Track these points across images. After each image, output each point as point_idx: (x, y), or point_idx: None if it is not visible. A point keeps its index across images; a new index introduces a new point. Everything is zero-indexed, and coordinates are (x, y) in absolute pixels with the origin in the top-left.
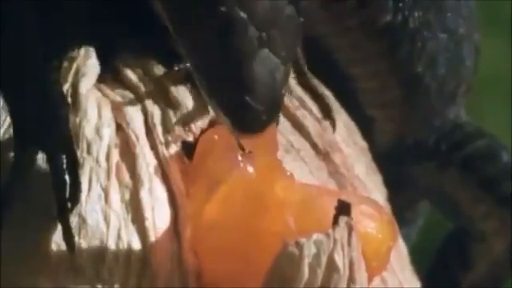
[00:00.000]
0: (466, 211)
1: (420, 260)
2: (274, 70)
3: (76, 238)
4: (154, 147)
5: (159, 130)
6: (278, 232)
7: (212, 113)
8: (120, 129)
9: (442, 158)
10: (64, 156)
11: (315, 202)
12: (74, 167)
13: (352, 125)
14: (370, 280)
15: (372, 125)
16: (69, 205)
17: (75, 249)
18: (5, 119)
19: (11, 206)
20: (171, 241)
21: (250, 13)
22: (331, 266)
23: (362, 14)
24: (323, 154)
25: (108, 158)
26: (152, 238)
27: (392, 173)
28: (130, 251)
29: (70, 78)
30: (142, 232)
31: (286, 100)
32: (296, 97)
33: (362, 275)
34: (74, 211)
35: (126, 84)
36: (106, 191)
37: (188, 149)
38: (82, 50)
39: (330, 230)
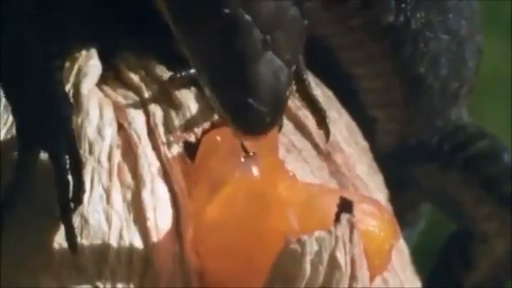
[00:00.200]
0: (468, 212)
1: (422, 260)
2: (277, 72)
3: (78, 238)
4: (155, 147)
5: (161, 130)
6: (281, 231)
7: (214, 114)
8: (122, 129)
9: (445, 159)
10: (67, 156)
11: (318, 201)
12: (78, 167)
13: (353, 125)
14: (371, 279)
15: (374, 125)
16: (72, 205)
17: (77, 249)
18: (7, 119)
19: (14, 205)
20: (173, 241)
21: (255, 15)
22: (333, 263)
23: (364, 15)
24: (325, 154)
25: (110, 158)
26: (154, 238)
27: (394, 173)
28: (132, 251)
29: (72, 79)
30: (144, 232)
31: (288, 101)
32: (297, 97)
33: (363, 273)
34: (76, 211)
35: (127, 84)
36: (107, 191)
37: (190, 149)
38: (84, 51)
39: (332, 227)
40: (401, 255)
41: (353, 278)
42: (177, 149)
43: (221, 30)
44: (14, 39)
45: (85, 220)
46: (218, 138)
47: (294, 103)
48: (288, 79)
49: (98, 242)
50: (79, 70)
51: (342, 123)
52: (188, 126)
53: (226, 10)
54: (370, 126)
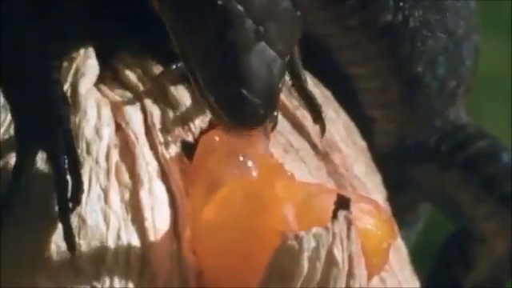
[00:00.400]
0: (467, 212)
1: (421, 260)
2: (270, 64)
3: (76, 239)
4: (153, 147)
5: (159, 129)
6: (279, 231)
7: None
8: (119, 129)
9: (443, 159)
10: (65, 156)
11: (315, 200)
12: (76, 167)
13: (351, 125)
14: (369, 278)
15: (372, 125)
16: (70, 205)
17: (76, 249)
18: (5, 119)
19: (13, 205)
20: (171, 240)
21: (247, 6)
22: (330, 260)
23: (362, 14)
24: (322, 154)
25: (107, 158)
26: (152, 238)
27: (393, 174)
28: (129, 251)
29: (70, 78)
30: (142, 232)
31: (286, 100)
32: (295, 97)
33: (361, 271)
34: (74, 211)
35: (125, 84)
36: (105, 191)
37: (188, 149)
38: (82, 50)
39: (329, 224)
40: (399, 255)
41: (350, 275)
42: (174, 149)
43: (213, 22)
44: (13, 39)
45: (83, 220)
46: (217, 139)
47: (292, 103)
48: (281, 70)
49: (96, 242)
50: (77, 70)
51: (339, 123)
52: (184, 120)
53: (219, 2)
54: (368, 126)
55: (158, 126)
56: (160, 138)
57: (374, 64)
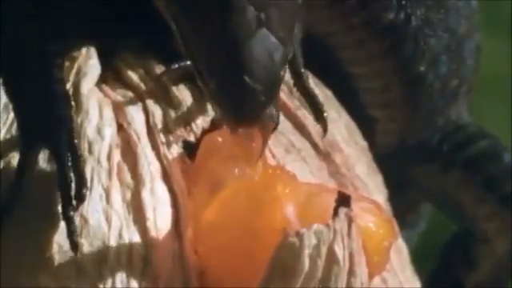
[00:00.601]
0: (468, 212)
1: (422, 260)
2: (272, 51)
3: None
4: (155, 147)
5: (160, 129)
6: (280, 229)
7: (213, 113)
8: (121, 129)
9: (445, 159)
10: (68, 154)
11: (316, 200)
12: (79, 165)
13: (353, 125)
14: (370, 277)
15: (374, 125)
16: (74, 203)
17: (79, 248)
18: (6, 119)
19: (16, 204)
20: (173, 240)
21: None
22: (331, 257)
23: (365, 13)
24: (324, 154)
25: (109, 158)
26: (153, 237)
27: (394, 174)
28: (131, 251)
29: (72, 78)
30: (144, 232)
31: (287, 100)
32: (296, 97)
33: (362, 269)
34: (76, 211)
35: (127, 84)
36: (107, 191)
37: (189, 149)
38: (84, 50)
39: (330, 221)
40: (400, 255)
41: (351, 273)
42: (176, 149)
43: (215, 8)
44: (15, 39)
45: (84, 220)
46: (220, 139)
47: (293, 103)
48: (283, 57)
49: (98, 241)
50: (79, 70)
51: (341, 123)
52: (186, 119)
53: None
54: (370, 126)
55: (159, 126)
56: (162, 138)
57: (376, 63)
